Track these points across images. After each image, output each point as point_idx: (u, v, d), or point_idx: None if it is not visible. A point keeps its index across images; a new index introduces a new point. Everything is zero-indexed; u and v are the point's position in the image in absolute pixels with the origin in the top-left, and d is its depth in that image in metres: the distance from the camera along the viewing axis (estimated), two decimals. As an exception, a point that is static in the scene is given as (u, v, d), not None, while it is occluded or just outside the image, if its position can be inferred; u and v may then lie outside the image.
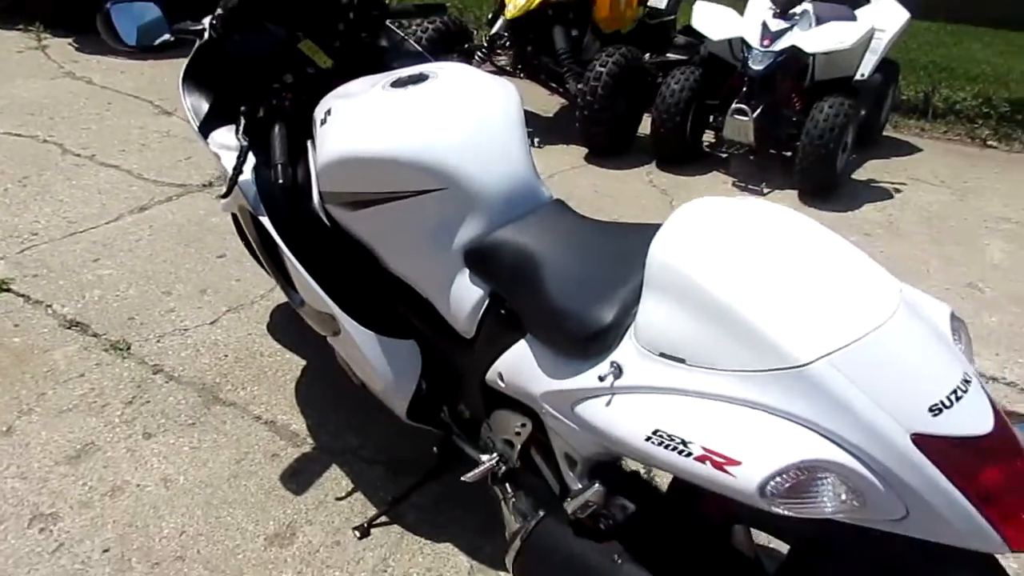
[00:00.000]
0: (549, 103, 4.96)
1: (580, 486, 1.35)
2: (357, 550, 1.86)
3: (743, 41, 3.97)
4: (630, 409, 1.15)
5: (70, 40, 5.78)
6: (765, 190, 4.02)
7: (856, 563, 1.15)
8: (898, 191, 4.11)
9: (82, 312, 2.67)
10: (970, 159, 4.64)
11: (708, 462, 1.03)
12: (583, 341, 1.25)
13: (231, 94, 1.87)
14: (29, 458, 2.07)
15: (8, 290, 2.76)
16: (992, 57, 5.83)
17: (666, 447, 1.07)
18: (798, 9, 3.97)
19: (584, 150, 4.34)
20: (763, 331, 1.03)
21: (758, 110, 3.89)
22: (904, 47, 5.98)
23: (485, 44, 4.54)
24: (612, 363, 1.19)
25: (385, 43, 2.12)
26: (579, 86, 4.17)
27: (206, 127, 1.90)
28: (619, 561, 1.26)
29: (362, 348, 1.76)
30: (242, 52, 1.85)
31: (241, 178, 1.78)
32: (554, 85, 4.58)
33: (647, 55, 4.73)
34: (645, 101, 4.31)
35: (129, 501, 1.96)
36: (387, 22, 2.12)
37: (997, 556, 1.12)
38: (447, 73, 1.69)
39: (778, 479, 0.99)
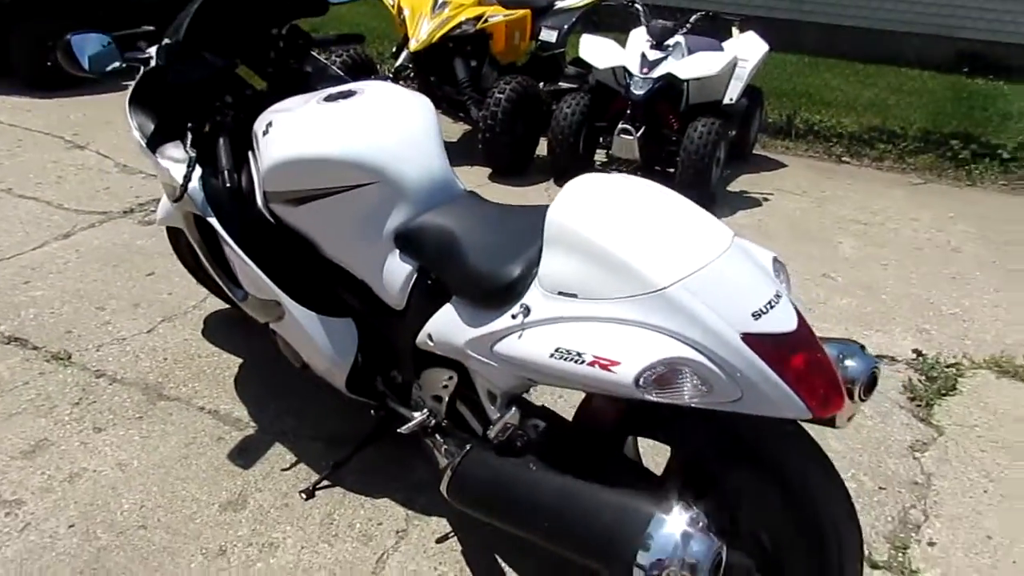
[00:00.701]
0: (453, 129, 5.31)
1: (500, 414, 1.65)
2: (305, 509, 2.10)
3: (625, 69, 4.43)
4: (537, 337, 1.47)
5: (-30, 82, 5.77)
6: (651, 202, 4.47)
7: (710, 446, 1.50)
8: (766, 200, 4.63)
9: (19, 329, 2.81)
10: (827, 173, 5.25)
11: (597, 366, 1.36)
12: (499, 292, 1.58)
13: (175, 114, 2.12)
14: (-13, 458, 2.22)
15: (-59, 311, 2.86)
16: (844, 85, 6.57)
17: (565, 359, 1.40)
18: (671, 41, 4.48)
19: (487, 170, 4.70)
20: (632, 266, 1.38)
21: (641, 130, 4.35)
22: (771, 76, 6.67)
23: (390, 75, 4.86)
24: (522, 305, 1.52)
25: (310, 69, 2.41)
26: (480, 112, 4.54)
27: (153, 143, 2.14)
28: (534, 468, 1.57)
29: (305, 328, 2.02)
30: (186, 79, 2.10)
31: (189, 186, 2.03)
32: (458, 112, 4.94)
33: (541, 84, 5.16)
34: (541, 125, 4.71)
35: (88, 484, 2.14)
36: (311, 51, 2.41)
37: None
38: (372, 89, 2.00)
39: (647, 373, 1.32)
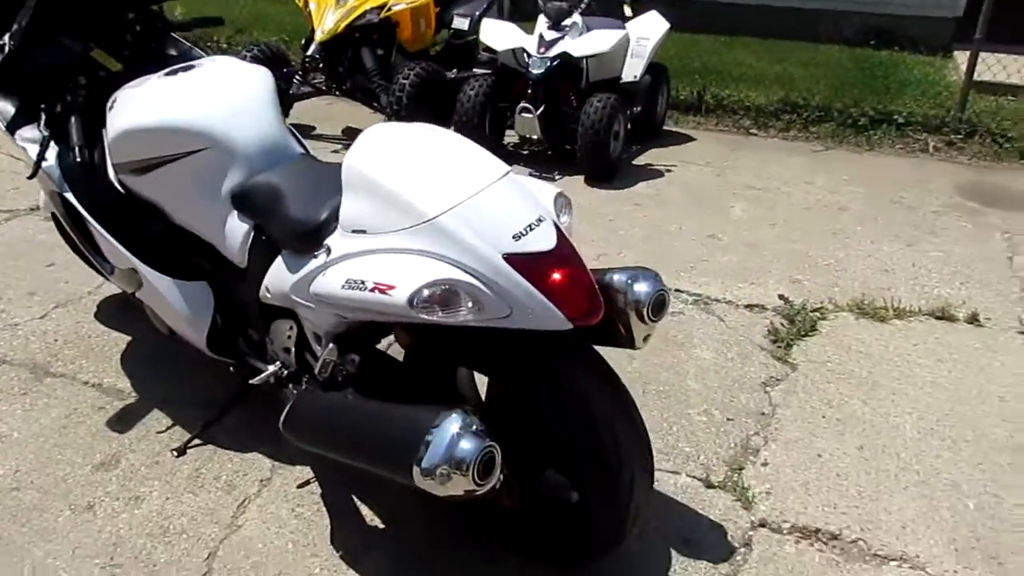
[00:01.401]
0: (371, 119, 5.42)
1: (321, 353, 1.79)
2: (175, 465, 2.22)
3: (524, 50, 4.59)
4: (334, 272, 1.61)
5: None
6: (556, 177, 4.62)
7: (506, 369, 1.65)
8: (669, 171, 4.81)
9: (-89, 319, 2.89)
10: (734, 145, 5.44)
11: (376, 291, 1.50)
12: (310, 237, 1.71)
13: (33, 97, 2.23)
14: None
15: None
16: (755, 62, 6.77)
17: (352, 288, 1.54)
18: (568, 22, 4.63)
19: (399, 156, 4.82)
20: (407, 200, 1.52)
21: (541, 109, 4.50)
22: (683, 55, 6.87)
23: (302, 68, 4.98)
24: (326, 246, 1.66)
25: (173, 52, 2.52)
26: (387, 98, 4.67)
27: (13, 126, 2.24)
28: (350, 397, 1.71)
29: (163, 293, 2.14)
30: (40, 63, 2.21)
31: (46, 164, 2.14)
32: (370, 101, 5.06)
33: (454, 70, 5.31)
34: (449, 109, 4.85)
35: (-33, 455, 2.24)
36: (174, 35, 2.53)
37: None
38: (211, 63, 2.13)
39: (421, 294, 1.47)
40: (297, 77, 5.02)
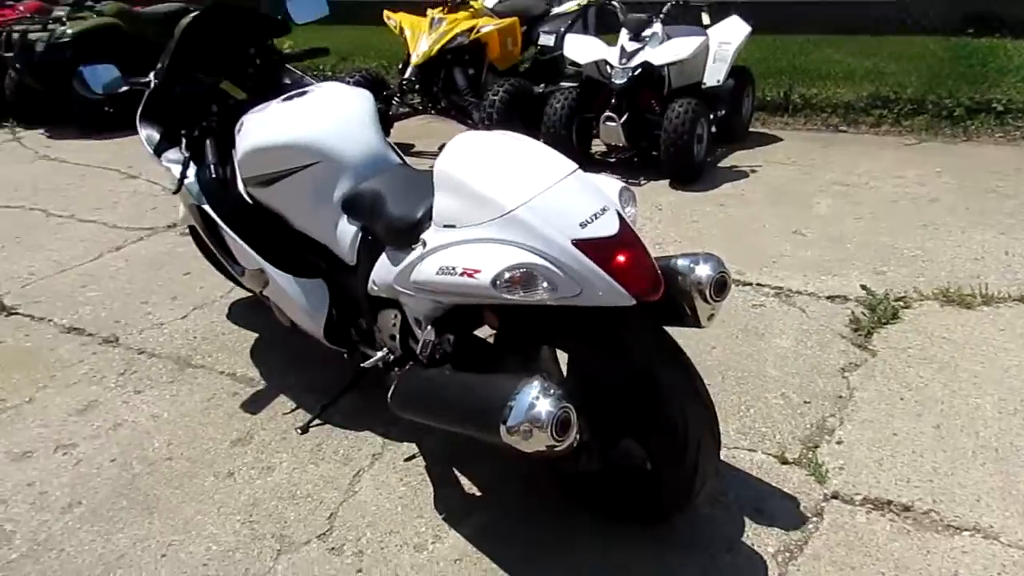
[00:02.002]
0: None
1: (422, 335, 2.05)
2: (299, 441, 2.53)
3: (606, 62, 4.79)
4: (429, 262, 1.86)
5: (41, 131, 6.55)
6: (642, 181, 4.80)
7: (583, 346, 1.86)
8: (754, 171, 4.89)
9: (77, 321, 3.35)
10: (821, 143, 5.46)
11: (465, 275, 1.74)
12: (408, 233, 1.98)
13: (174, 125, 2.61)
14: (48, 415, 2.73)
15: (15, 313, 3.43)
16: (843, 59, 6.73)
17: (445, 273, 1.78)
18: (648, 32, 4.82)
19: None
20: (488, 197, 1.76)
21: (624, 117, 4.69)
22: (769, 56, 6.90)
23: (400, 90, 5.35)
24: (422, 240, 1.91)
25: (288, 80, 2.87)
26: (479, 114, 4.96)
27: (159, 150, 2.63)
28: (447, 371, 1.96)
29: (286, 290, 2.46)
30: (180, 95, 2.59)
31: (187, 181, 2.51)
32: (464, 118, 5.37)
33: (542, 85, 5.56)
34: (537, 121, 5.09)
35: (127, 431, 2.62)
36: (288, 65, 2.87)
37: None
38: (321, 88, 2.44)
39: (503, 276, 1.69)
40: (396, 99, 5.39)
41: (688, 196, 4.50)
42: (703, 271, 1.89)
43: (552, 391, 1.65)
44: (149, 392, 2.83)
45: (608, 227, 1.71)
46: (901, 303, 3.18)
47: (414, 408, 2.01)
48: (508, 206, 1.73)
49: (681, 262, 1.93)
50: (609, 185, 1.89)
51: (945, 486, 2.20)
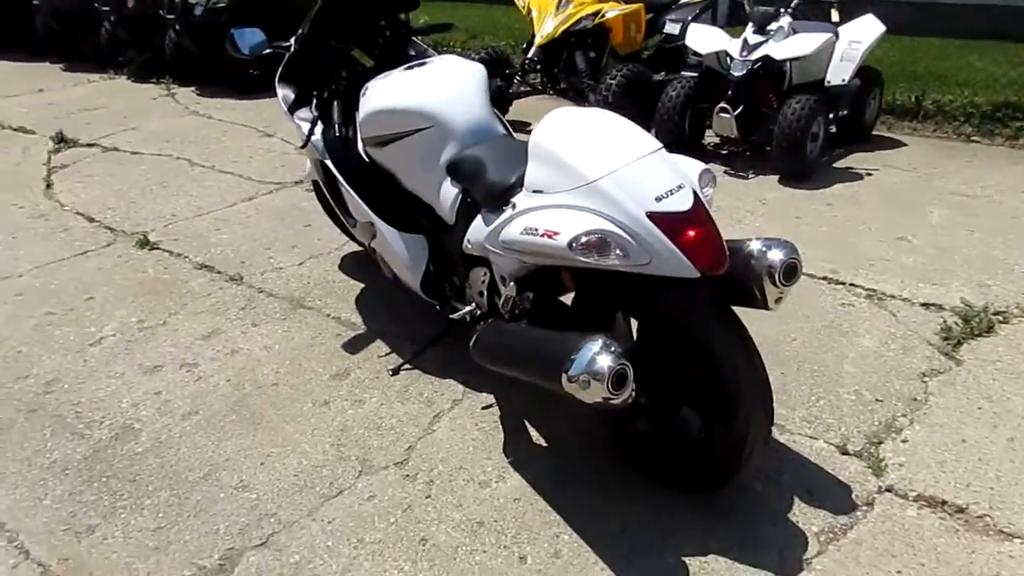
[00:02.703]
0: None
1: (505, 291, 2.23)
2: (390, 382, 2.78)
3: (727, 53, 4.81)
4: (517, 223, 2.03)
5: (193, 88, 7.13)
6: (750, 176, 4.80)
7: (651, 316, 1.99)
8: (870, 175, 4.80)
9: (209, 260, 3.73)
10: (949, 151, 5.27)
11: (546, 236, 1.90)
12: (502, 196, 2.15)
13: (307, 86, 2.88)
14: (177, 337, 3.09)
15: (157, 248, 3.86)
16: (986, 66, 6.40)
17: (528, 234, 1.95)
18: (774, 26, 4.79)
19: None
20: (574, 167, 1.91)
21: (739, 109, 4.70)
22: (906, 59, 6.66)
23: (521, 70, 5.53)
24: (512, 203, 2.09)
25: (413, 52, 3.10)
26: (596, 97, 5.09)
27: (292, 108, 2.91)
28: (523, 325, 2.13)
29: (391, 243, 2.70)
30: (315, 60, 2.86)
31: (314, 139, 2.78)
32: (580, 100, 5.50)
33: (662, 73, 5.62)
34: (653, 108, 5.16)
35: (242, 357, 2.94)
36: (414, 39, 3.10)
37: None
38: (440, 60, 2.65)
39: (579, 239, 1.84)
40: (517, 77, 5.58)
41: (796, 193, 4.48)
42: (774, 255, 1.98)
43: (613, 348, 1.79)
44: (264, 326, 3.15)
45: (682, 203, 1.83)
46: (999, 317, 3.11)
47: (491, 357, 2.19)
48: (591, 176, 1.88)
49: (755, 245, 2.02)
50: (691, 166, 2.00)
51: (1005, 494, 2.20)
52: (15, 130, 5.81)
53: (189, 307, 3.31)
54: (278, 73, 2.97)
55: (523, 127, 5.85)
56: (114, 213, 4.28)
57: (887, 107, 5.78)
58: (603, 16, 5.27)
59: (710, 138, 5.20)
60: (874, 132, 5.55)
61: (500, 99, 5.79)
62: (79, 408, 2.67)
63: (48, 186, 4.71)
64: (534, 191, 2.03)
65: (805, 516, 2.15)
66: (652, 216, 1.81)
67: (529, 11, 5.44)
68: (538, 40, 5.28)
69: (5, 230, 4.09)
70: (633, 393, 1.83)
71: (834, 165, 4.96)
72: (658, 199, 1.83)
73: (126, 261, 3.73)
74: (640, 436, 2.18)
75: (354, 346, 2.99)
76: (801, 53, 4.63)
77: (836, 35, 4.87)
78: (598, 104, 5.01)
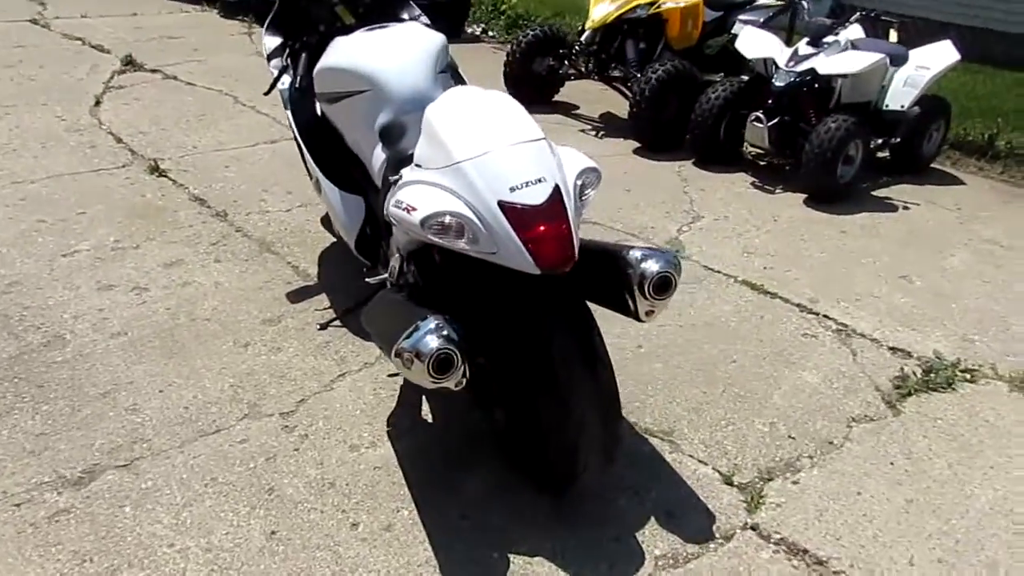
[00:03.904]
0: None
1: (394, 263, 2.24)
2: (314, 335, 2.84)
3: (773, 61, 4.61)
4: (396, 194, 2.02)
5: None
6: (776, 191, 4.60)
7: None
8: (906, 208, 4.52)
9: (205, 194, 3.88)
10: (1008, 196, 4.89)
11: (407, 210, 1.89)
12: (399, 165, 2.16)
13: (287, 37, 2.94)
14: (142, 261, 3.24)
15: (164, 176, 4.03)
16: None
17: (398, 208, 1.94)
18: (829, 39, 4.55)
19: (636, 144, 5.10)
20: (447, 145, 1.89)
21: (775, 120, 4.50)
22: (993, 93, 6.21)
23: (572, 51, 5.46)
24: (401, 174, 2.09)
25: (405, 16, 3.10)
26: (635, 88, 4.96)
27: (270, 56, 2.98)
28: (402, 296, 2.14)
29: (331, 200, 2.74)
30: (299, 10, 2.91)
31: (280, 87, 2.84)
32: (623, 89, 5.38)
33: (720, 74, 5.43)
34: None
35: (191, 290, 3.06)
36: (412, 2, 3.10)
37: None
38: (398, 25, 2.65)
39: (431, 219, 1.83)
40: (568, 59, 5.51)
41: (815, 215, 4.28)
42: (649, 266, 1.91)
43: (446, 332, 1.77)
44: (225, 264, 3.27)
45: (536, 197, 1.79)
46: (967, 375, 2.91)
47: (366, 323, 2.21)
48: (457, 157, 1.86)
49: (633, 252, 1.96)
50: (573, 161, 1.94)
51: (873, 556, 2.08)
52: (93, 47, 6.14)
53: (166, 235, 3.47)
54: (267, 20, 3.04)
55: (570, 109, 5.80)
56: (143, 138, 4.50)
57: (955, 141, 5.43)
58: (659, 7, 5.12)
59: (753, 148, 5.01)
60: (934, 165, 5.21)
61: (550, 78, 5.73)
62: (26, 312, 2.85)
63: (96, 103, 4.98)
64: (416, 165, 2.02)
65: (654, 537, 2.09)
66: (502, 206, 1.78)
67: (590, -8, 5.35)
68: (588, 24, 5.19)
69: (40, 139, 4.36)
70: (463, 380, 1.81)
71: (872, 192, 4.70)
72: (512, 189, 1.79)
73: (131, 184, 3.92)
74: (497, 426, 2.16)
75: (297, 296, 3.06)
76: (847, 71, 4.39)
77: (903, 58, 4.59)
78: (634, 96, 4.90)
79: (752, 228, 4.05)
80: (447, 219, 1.82)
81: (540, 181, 1.81)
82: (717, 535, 2.12)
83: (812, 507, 2.23)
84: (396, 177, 2.10)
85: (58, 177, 3.93)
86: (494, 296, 1.97)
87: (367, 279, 2.57)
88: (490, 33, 7.85)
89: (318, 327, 2.88)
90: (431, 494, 2.18)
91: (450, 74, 2.71)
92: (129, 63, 5.80)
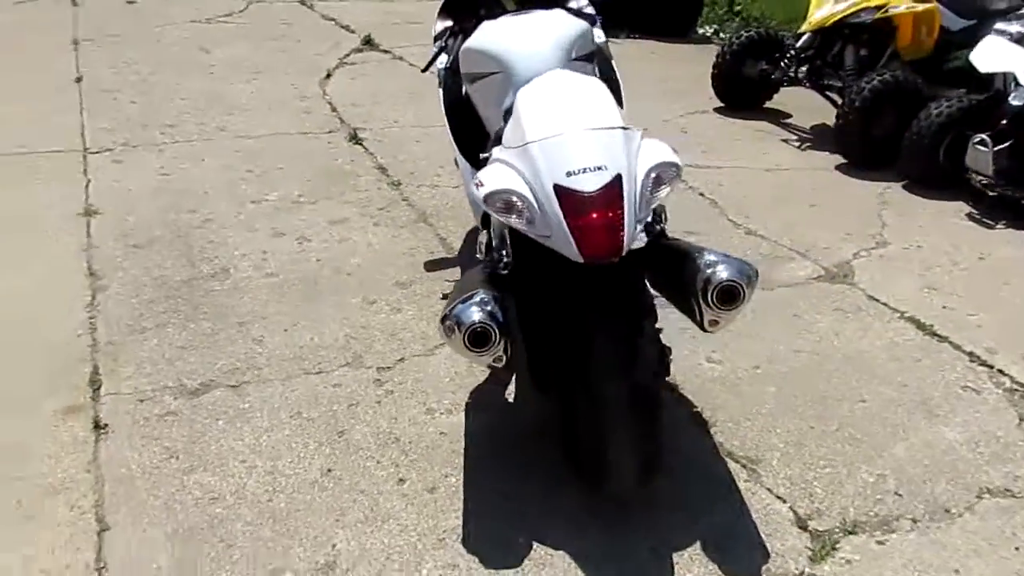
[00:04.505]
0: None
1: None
2: (434, 303, 2.95)
3: (1014, 77, 4.03)
4: (480, 172, 2.07)
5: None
6: (999, 226, 4.02)
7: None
8: None
9: (389, 163, 4.19)
10: None
11: (478, 186, 1.93)
12: (495, 144, 2.21)
13: (457, 20, 3.09)
14: (315, 216, 3.58)
15: (360, 144, 4.41)
16: None
17: (476, 186, 1.99)
18: (1095, 56, 3.89)
19: (842, 160, 4.69)
20: (523, 126, 1.91)
21: (1006, 144, 3.94)
22: None
23: (788, 55, 5.14)
24: (491, 152, 2.13)
25: (574, 5, 3.12)
26: (846, 100, 4.57)
27: (437, 38, 3.15)
28: (480, 269, 2.19)
29: (464, 174, 2.85)
30: None
31: (437, 67, 3.00)
32: (834, 98, 4.96)
33: (962, 90, 4.85)
34: (915, 126, 4.50)
35: (345, 247, 3.35)
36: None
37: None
38: (540, 11, 2.68)
39: (493, 196, 1.86)
40: (783, 64, 5.19)
41: (1028, 260, 3.70)
42: (716, 273, 1.81)
43: (489, 307, 1.80)
44: (383, 227, 3.52)
45: (591, 184, 1.75)
46: None
47: (453, 295, 2.29)
48: (528, 138, 1.87)
49: (708, 256, 1.86)
50: (653, 152, 1.87)
51: None
52: (342, 27, 6.81)
53: (344, 196, 3.80)
54: (442, 4, 3.21)
55: (782, 117, 5.46)
56: (354, 109, 4.93)
57: None
58: (886, 12, 4.66)
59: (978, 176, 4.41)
60: None
61: (762, 83, 5.42)
62: (207, 245, 3.28)
63: (327, 76, 5.53)
64: (503, 145, 2.05)
65: (692, 561, 1.97)
66: (557, 189, 1.77)
67: (812, -5, 5.00)
68: (805, 26, 4.85)
69: (269, 104, 4.94)
70: (504, 358, 1.83)
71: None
72: (569, 174, 1.77)
73: (330, 148, 4.33)
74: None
75: (433, 265, 3.23)
76: (1102, 95, 3.72)
77: None
78: (843, 107, 4.52)
79: (946, 263, 3.59)
80: (508, 197, 1.84)
81: (600, 169, 1.78)
82: None
83: (891, 573, 1.97)
84: (486, 155, 2.15)
85: (274, 136, 4.44)
86: (551, 281, 1.96)
87: (476, 255, 2.64)
88: (721, 35, 7.59)
89: (441, 296, 3.01)
90: (483, 468, 2.22)
91: (594, 62, 2.70)
92: (367, 43, 6.35)
